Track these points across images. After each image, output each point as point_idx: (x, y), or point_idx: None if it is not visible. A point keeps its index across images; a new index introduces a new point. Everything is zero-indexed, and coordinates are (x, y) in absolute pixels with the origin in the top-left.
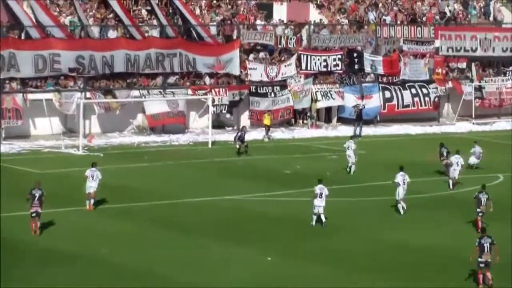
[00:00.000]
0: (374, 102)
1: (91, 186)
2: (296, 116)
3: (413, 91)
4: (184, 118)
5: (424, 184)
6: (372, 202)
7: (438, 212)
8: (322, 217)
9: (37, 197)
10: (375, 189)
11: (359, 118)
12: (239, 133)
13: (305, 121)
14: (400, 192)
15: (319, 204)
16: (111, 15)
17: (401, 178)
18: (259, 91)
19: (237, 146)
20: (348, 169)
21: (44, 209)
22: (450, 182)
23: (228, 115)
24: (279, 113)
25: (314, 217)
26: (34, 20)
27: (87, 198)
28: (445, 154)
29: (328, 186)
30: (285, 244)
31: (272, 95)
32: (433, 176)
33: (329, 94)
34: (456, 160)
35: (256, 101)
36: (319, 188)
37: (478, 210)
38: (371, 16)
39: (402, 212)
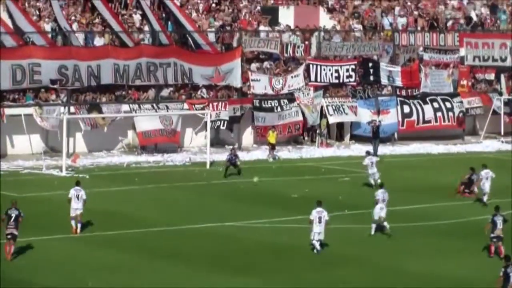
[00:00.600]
0: (391, 118)
1: (77, 208)
2: (304, 133)
3: (435, 105)
4: (179, 137)
5: (446, 209)
6: (393, 229)
7: (459, 240)
8: (318, 244)
9: (13, 218)
10: (391, 215)
11: (376, 136)
12: (230, 157)
13: (314, 139)
14: (377, 211)
15: (319, 230)
16: (97, 20)
17: (381, 196)
18: (263, 105)
19: (226, 167)
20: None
21: (23, 236)
22: (484, 198)
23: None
24: (287, 129)
25: (315, 243)
26: (11, 26)
27: (72, 220)
28: (475, 180)
29: (340, 211)
30: (291, 275)
31: (279, 109)
32: (457, 200)
33: (341, 109)
34: (486, 175)
35: (260, 116)
36: (317, 212)
37: (492, 235)
38: (386, 21)
39: (373, 233)
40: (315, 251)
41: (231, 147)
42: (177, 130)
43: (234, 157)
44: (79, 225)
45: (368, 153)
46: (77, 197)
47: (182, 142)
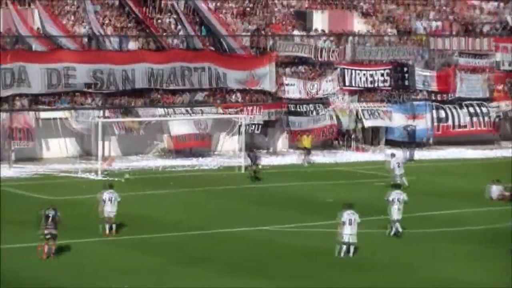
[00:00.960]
0: (424, 122)
1: (110, 211)
2: (339, 137)
3: (471, 110)
4: (210, 141)
5: (482, 214)
6: (422, 234)
7: (491, 246)
8: (352, 247)
9: (50, 218)
10: (424, 220)
11: (412, 140)
12: (250, 160)
13: (348, 144)
14: (395, 211)
15: (349, 232)
16: (131, 24)
17: (396, 196)
18: (298, 109)
19: (252, 170)
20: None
21: (58, 238)
22: None
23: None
24: (321, 133)
25: (344, 247)
26: (47, 28)
27: (105, 222)
28: None
29: (374, 216)
30: (323, 279)
31: (313, 113)
32: (495, 205)
33: (375, 113)
34: None
35: (294, 120)
36: (347, 214)
37: None
38: (419, 25)
39: (392, 232)
40: (341, 254)
41: (248, 152)
42: (210, 134)
43: (254, 158)
44: (113, 226)
45: (393, 155)
46: (110, 200)
47: (215, 146)
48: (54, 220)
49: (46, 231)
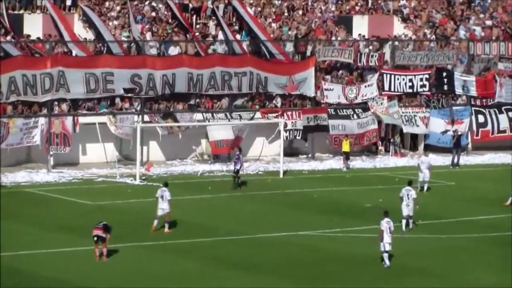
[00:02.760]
0: (464, 127)
1: (161, 208)
2: (378, 142)
3: (510, 114)
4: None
5: None
6: (461, 239)
7: None
8: (387, 255)
9: (102, 221)
10: (464, 225)
11: (457, 145)
12: (235, 162)
13: (387, 149)
14: (404, 208)
15: (388, 240)
16: (169, 30)
17: (405, 192)
18: (338, 113)
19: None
20: (420, 188)
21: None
22: None
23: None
24: (365, 138)
25: (386, 256)
26: (85, 35)
27: (155, 219)
28: None
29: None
30: (363, 285)
31: (354, 117)
32: None
33: (413, 120)
34: None
35: (334, 125)
36: (386, 222)
37: None
38: (461, 31)
39: (404, 229)
40: (384, 265)
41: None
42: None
43: (237, 159)
44: (166, 225)
45: (426, 153)
46: (162, 197)
47: (252, 151)
48: (105, 224)
49: (93, 233)
